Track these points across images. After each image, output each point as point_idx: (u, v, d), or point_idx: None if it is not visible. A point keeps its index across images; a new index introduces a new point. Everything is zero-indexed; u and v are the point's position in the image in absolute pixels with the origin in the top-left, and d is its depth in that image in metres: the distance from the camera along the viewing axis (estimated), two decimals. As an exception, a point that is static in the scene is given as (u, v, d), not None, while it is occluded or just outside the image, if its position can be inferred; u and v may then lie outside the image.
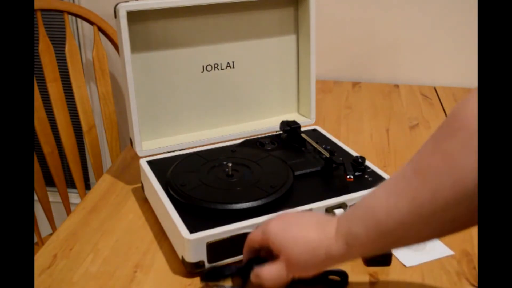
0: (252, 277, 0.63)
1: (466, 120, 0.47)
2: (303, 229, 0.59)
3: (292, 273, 0.60)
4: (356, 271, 0.71)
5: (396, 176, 0.53)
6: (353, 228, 0.55)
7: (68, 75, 1.28)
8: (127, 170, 0.99)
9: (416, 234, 0.52)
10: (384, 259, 0.72)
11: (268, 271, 0.61)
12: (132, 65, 0.86)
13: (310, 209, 0.74)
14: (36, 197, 1.25)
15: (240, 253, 0.72)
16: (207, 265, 0.70)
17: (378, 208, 0.53)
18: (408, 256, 0.74)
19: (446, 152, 0.48)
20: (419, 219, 0.50)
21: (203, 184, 0.79)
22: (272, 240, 0.60)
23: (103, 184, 0.94)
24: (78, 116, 1.30)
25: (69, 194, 1.33)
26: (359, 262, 0.73)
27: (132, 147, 0.92)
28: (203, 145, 0.94)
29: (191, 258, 0.69)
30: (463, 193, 0.47)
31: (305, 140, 0.93)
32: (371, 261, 0.72)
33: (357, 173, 0.83)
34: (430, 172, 0.49)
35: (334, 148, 0.91)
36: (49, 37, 1.25)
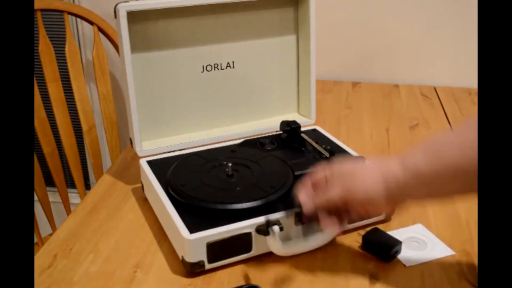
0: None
1: None
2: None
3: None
4: (356, 271, 0.71)
5: None
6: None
7: (68, 75, 1.28)
8: (127, 170, 0.99)
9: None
10: (382, 252, 0.73)
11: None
12: (132, 65, 0.86)
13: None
14: (36, 197, 1.25)
15: (240, 253, 0.72)
16: (207, 265, 0.70)
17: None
18: (408, 256, 0.74)
19: None
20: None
21: (203, 184, 0.79)
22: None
23: (103, 184, 0.94)
24: (78, 116, 1.30)
25: (69, 194, 1.33)
26: (359, 262, 0.73)
27: (132, 147, 0.92)
28: (203, 145, 0.94)
29: (191, 258, 0.69)
30: None
31: (305, 140, 0.93)
32: (367, 247, 0.74)
33: (357, 173, 0.83)
34: None
35: (334, 148, 0.91)
36: (49, 37, 1.25)
